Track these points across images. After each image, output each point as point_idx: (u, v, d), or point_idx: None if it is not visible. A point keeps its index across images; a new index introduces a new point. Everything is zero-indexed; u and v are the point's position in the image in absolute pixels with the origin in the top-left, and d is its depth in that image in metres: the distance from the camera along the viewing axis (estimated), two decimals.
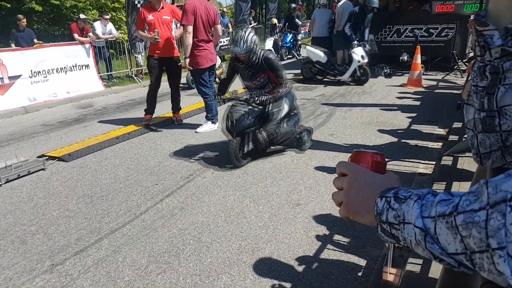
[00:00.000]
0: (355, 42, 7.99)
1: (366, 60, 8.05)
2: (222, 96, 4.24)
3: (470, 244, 0.50)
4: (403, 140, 4.74)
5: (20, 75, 7.50)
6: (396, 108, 6.28)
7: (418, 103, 6.60)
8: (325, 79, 8.81)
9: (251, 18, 14.70)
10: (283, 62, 12.92)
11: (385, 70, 9.16)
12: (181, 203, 3.36)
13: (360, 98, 7.09)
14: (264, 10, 18.36)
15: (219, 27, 5.30)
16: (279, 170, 4.01)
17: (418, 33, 9.14)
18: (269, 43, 14.26)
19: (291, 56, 13.95)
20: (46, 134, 5.72)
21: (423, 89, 7.62)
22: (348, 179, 0.71)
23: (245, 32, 3.85)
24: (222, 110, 4.68)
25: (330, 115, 6.05)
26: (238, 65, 4.10)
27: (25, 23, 8.62)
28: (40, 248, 2.76)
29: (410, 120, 5.59)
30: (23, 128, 6.14)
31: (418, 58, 7.84)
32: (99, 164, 4.36)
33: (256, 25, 15.63)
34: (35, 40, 8.74)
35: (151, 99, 5.65)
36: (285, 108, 4.24)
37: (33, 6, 13.19)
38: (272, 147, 4.35)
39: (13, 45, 8.29)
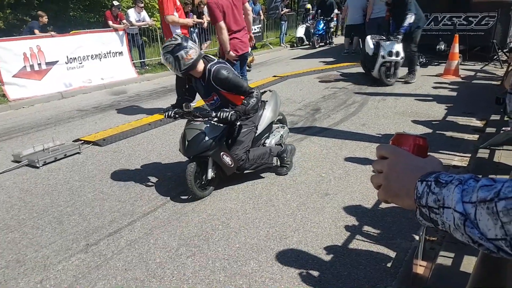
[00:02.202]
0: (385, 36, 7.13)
1: (396, 58, 6.77)
2: (174, 110, 3.22)
3: (510, 230, 0.51)
4: (438, 132, 4.58)
5: (57, 61, 7.78)
6: (431, 98, 6.06)
7: (454, 93, 6.34)
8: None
9: (283, 5, 14.49)
10: (315, 50, 12.77)
11: (421, 59, 8.82)
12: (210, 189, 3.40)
13: (394, 88, 6.88)
14: None
15: (246, 5, 5.07)
16: (308, 159, 3.97)
17: (456, 22, 8.72)
18: (300, 30, 14.06)
19: (323, 43, 13.71)
20: (81, 119, 5.92)
21: (460, 80, 7.30)
22: (388, 162, 0.70)
23: (170, 49, 3.01)
24: None
25: (362, 105, 5.92)
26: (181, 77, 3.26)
27: (46, 20, 8.82)
28: (76, 229, 2.88)
29: (445, 111, 5.38)
30: (59, 112, 6.39)
31: (456, 47, 7.50)
32: (132, 149, 4.48)
33: (289, 12, 15.40)
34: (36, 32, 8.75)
35: None
36: (263, 121, 3.48)
37: None
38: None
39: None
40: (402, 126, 4.83)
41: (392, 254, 2.43)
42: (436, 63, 8.84)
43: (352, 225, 2.77)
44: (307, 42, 13.95)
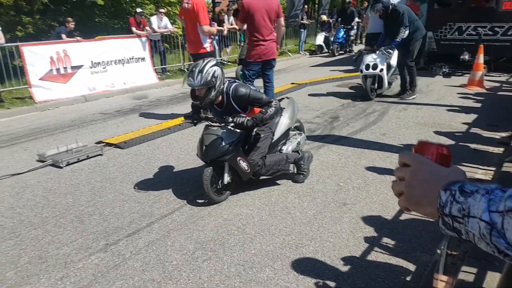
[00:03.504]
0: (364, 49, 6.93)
1: (374, 71, 6.43)
2: (193, 116, 3.32)
3: None
4: (461, 143, 4.48)
5: (82, 66, 8.01)
6: (454, 109, 5.94)
7: (478, 105, 6.20)
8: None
9: (304, 14, 14.54)
10: (334, 58, 12.71)
11: (444, 70, 8.69)
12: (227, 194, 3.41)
13: (416, 98, 6.77)
14: (317, 5, 18.07)
15: (281, 20, 5.23)
16: (325, 167, 3.95)
17: (481, 32, 8.55)
18: (320, 38, 14.05)
19: (342, 52, 13.66)
20: (104, 122, 6.06)
21: (484, 91, 7.14)
22: (411, 169, 0.70)
23: (204, 61, 3.08)
24: None
25: (382, 114, 5.86)
26: (195, 103, 3.26)
27: (73, 25, 9.08)
28: (96, 228, 2.94)
29: (469, 122, 5.27)
30: (83, 115, 6.55)
31: (481, 58, 7.34)
32: (152, 153, 4.56)
33: (307, 19, 15.43)
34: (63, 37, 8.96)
35: None
36: (280, 128, 3.51)
37: (95, 0, 13.97)
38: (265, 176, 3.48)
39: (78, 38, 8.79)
40: (424, 136, 4.75)
41: (412, 267, 2.38)
42: (459, 74, 8.67)
43: (371, 237, 2.73)
44: (326, 50, 13.93)
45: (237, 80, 3.35)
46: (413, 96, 6.73)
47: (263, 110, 3.14)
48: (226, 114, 3.23)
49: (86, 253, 2.63)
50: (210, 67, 3.03)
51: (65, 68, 7.73)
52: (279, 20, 5.20)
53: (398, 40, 6.12)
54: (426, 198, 0.66)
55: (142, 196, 3.45)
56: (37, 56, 7.33)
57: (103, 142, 4.86)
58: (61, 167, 4.13)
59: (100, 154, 4.49)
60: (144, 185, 3.66)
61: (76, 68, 7.91)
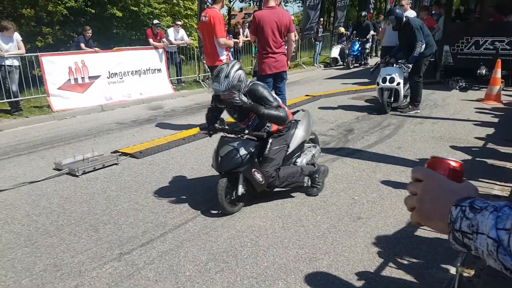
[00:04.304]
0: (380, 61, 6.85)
1: (391, 85, 6.36)
2: (208, 127, 3.32)
3: None
4: (477, 159, 4.41)
5: (99, 76, 8.18)
6: (471, 124, 5.86)
7: (496, 120, 6.10)
8: None
9: (319, 26, 14.64)
10: (349, 71, 12.72)
11: (460, 84, 8.60)
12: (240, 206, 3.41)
13: (432, 112, 6.71)
14: (332, 18, 18.17)
15: (292, 35, 5.28)
16: (340, 180, 3.92)
17: (499, 46, 8.46)
18: (335, 51, 14.11)
19: (357, 64, 13.66)
20: (119, 131, 6.16)
21: (502, 106, 7.03)
22: (423, 184, 0.71)
23: (229, 66, 3.06)
24: None
25: (398, 127, 5.81)
26: (221, 107, 3.26)
27: (91, 33, 9.32)
28: (111, 237, 2.96)
29: (486, 137, 5.18)
30: (99, 124, 6.67)
31: (498, 73, 7.25)
32: (167, 163, 4.60)
33: (323, 32, 15.51)
34: (82, 45, 9.11)
35: None
36: (295, 140, 3.48)
37: (114, 12, 14.33)
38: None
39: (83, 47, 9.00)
40: (440, 151, 4.69)
41: (427, 284, 2.33)
42: (476, 88, 8.57)
43: (386, 252, 2.69)
44: (341, 63, 13.95)
45: (259, 82, 3.37)
46: (416, 111, 6.63)
47: (268, 106, 3.08)
48: (245, 114, 3.23)
49: (100, 262, 2.65)
50: (236, 72, 3.03)
51: (82, 78, 7.91)
52: (290, 35, 5.25)
53: (415, 55, 6.07)
54: (438, 213, 0.68)
55: (156, 205, 3.48)
56: (55, 66, 7.53)
57: (118, 152, 4.92)
58: (77, 176, 4.19)
59: (116, 164, 4.55)
60: (158, 195, 3.69)
61: (93, 78, 8.08)
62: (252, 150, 3.16)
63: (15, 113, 7.18)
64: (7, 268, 2.61)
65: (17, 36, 7.31)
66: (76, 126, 6.65)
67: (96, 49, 8.53)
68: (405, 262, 2.56)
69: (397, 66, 6.42)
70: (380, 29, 12.29)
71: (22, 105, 7.56)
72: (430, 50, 6.40)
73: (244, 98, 3.00)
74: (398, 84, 6.39)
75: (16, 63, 7.27)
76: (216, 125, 3.25)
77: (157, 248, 2.79)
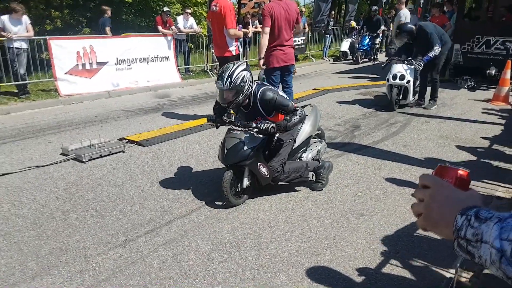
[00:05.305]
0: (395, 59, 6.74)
1: (401, 82, 6.37)
2: (216, 119, 3.34)
3: None
4: (482, 160, 4.40)
5: (107, 62, 8.18)
6: (478, 124, 5.83)
7: (503, 121, 6.06)
8: None
9: (330, 19, 14.49)
10: (358, 66, 12.62)
11: (469, 83, 8.53)
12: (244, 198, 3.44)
13: (439, 111, 6.67)
14: (343, 11, 17.98)
15: (300, 25, 5.32)
16: (344, 176, 3.94)
17: (510, 46, 8.36)
18: (345, 44, 13.99)
19: (367, 59, 13.54)
20: (126, 119, 6.19)
21: (510, 107, 6.98)
22: (430, 191, 0.74)
23: (234, 65, 3.12)
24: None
25: (404, 125, 5.79)
26: (223, 106, 3.26)
27: (110, 13, 9.30)
28: (116, 224, 3.01)
29: (492, 138, 5.16)
30: (106, 111, 6.70)
31: (508, 74, 7.18)
32: (173, 152, 4.63)
33: (333, 25, 15.36)
34: (107, 29, 9.15)
35: None
36: (301, 135, 3.53)
37: None
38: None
39: (108, 31, 8.96)
40: (445, 150, 4.68)
41: (426, 282, 2.36)
42: (485, 88, 8.50)
43: (387, 249, 2.72)
44: (350, 57, 13.85)
45: (266, 83, 3.39)
46: (435, 106, 6.75)
47: (288, 117, 3.15)
48: (251, 116, 3.26)
49: (105, 247, 2.70)
50: (240, 72, 3.07)
51: (90, 63, 7.92)
52: (298, 26, 5.27)
53: (431, 56, 6.09)
54: (443, 220, 0.70)
55: (162, 194, 3.51)
56: (64, 51, 7.54)
57: (125, 139, 4.95)
58: (83, 162, 4.23)
59: (122, 151, 4.58)
60: (164, 184, 3.72)
61: (101, 64, 8.09)
62: (258, 144, 3.18)
63: (22, 96, 7.23)
64: (13, 250, 2.67)
65: (26, 19, 7.32)
66: (83, 111, 6.68)
67: (108, 32, 8.50)
68: (406, 259, 2.59)
69: (409, 64, 6.38)
70: (393, 24, 12.14)
71: (30, 88, 7.60)
72: (446, 48, 6.45)
73: (264, 125, 3.07)
74: (408, 82, 6.41)
75: (24, 45, 7.29)
76: (224, 117, 3.28)
77: (162, 237, 2.83)
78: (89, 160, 4.29)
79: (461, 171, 0.76)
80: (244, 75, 3.08)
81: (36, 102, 7.11)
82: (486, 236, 0.62)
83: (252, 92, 3.20)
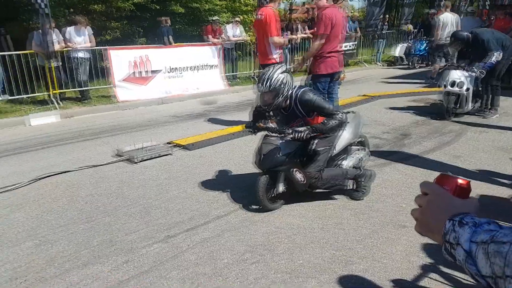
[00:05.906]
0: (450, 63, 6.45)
1: (460, 90, 5.99)
2: (253, 125, 3.43)
3: (495, 270, 0.61)
4: None
5: (160, 70, 8.68)
6: None
7: None
8: None
9: (384, 23, 14.10)
10: (413, 71, 12.12)
11: None
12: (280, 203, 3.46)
13: (501, 120, 6.23)
14: (399, 14, 17.36)
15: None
16: (388, 186, 3.83)
17: None
18: (400, 49, 13.49)
19: (424, 64, 12.95)
20: (175, 124, 6.51)
21: None
22: (428, 198, 0.78)
23: (274, 68, 3.16)
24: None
25: (459, 135, 5.49)
26: (264, 108, 3.28)
27: (169, 23, 9.80)
28: (160, 221, 3.20)
29: None
30: (158, 116, 7.09)
31: None
32: (215, 156, 4.80)
33: (388, 29, 14.90)
34: (170, 38, 9.54)
35: None
36: (341, 142, 3.46)
37: (176, 8, 14.93)
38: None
39: (167, 40, 9.40)
40: (502, 163, 4.37)
41: None
42: None
43: (427, 262, 2.61)
44: (406, 62, 13.34)
45: (306, 86, 3.38)
46: (496, 115, 6.33)
47: (325, 121, 3.13)
48: (291, 118, 3.29)
49: (149, 241, 2.89)
50: (279, 74, 3.09)
51: (146, 71, 8.44)
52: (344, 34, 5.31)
53: (493, 61, 5.73)
54: (436, 226, 0.74)
55: (203, 196, 3.67)
56: (121, 59, 8.13)
57: (173, 143, 5.21)
58: (135, 163, 4.53)
59: (170, 154, 4.83)
60: (205, 186, 3.88)
61: (155, 72, 8.60)
62: (294, 150, 3.20)
63: (84, 101, 7.86)
64: (69, 239, 2.94)
65: (88, 30, 7.98)
66: (137, 116, 7.12)
67: (167, 40, 8.98)
68: (446, 275, 2.48)
69: (468, 71, 6.01)
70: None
71: (91, 94, 8.24)
72: (509, 53, 5.99)
73: (298, 134, 3.10)
74: (468, 90, 6.03)
75: (87, 55, 7.95)
76: (261, 124, 3.35)
77: (200, 235, 2.96)
78: (140, 161, 4.57)
79: (461, 180, 0.77)
80: (283, 77, 3.10)
81: (96, 107, 7.71)
82: (461, 238, 0.67)
83: (293, 94, 3.19)
